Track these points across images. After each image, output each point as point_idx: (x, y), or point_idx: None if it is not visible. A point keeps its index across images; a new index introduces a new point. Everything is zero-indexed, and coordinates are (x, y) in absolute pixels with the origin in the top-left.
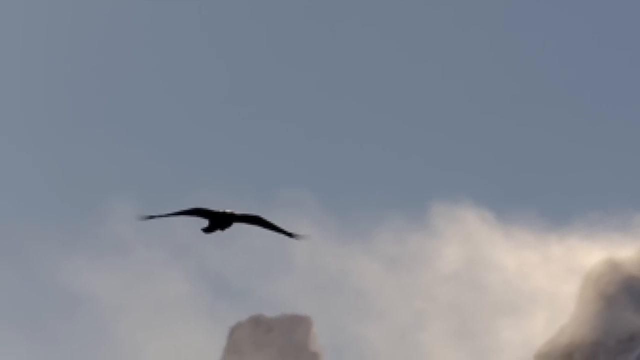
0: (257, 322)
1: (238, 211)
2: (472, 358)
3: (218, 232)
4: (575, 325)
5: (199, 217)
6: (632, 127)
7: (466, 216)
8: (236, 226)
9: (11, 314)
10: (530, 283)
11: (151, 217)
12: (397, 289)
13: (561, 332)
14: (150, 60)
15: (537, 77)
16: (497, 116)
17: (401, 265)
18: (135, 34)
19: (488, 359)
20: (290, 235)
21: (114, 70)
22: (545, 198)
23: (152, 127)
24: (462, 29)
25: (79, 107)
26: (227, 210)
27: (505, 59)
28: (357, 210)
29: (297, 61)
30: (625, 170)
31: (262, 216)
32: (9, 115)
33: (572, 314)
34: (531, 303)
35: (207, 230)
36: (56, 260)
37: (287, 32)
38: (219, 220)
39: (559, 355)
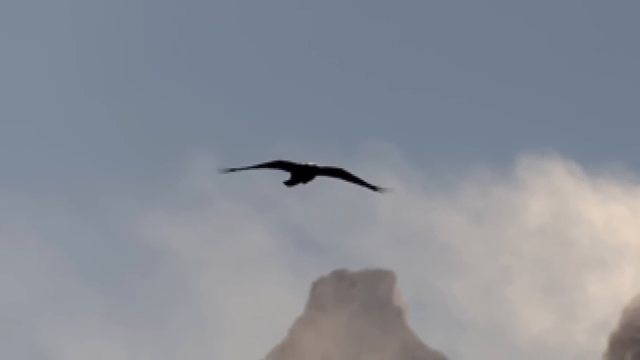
0: (340, 277)
1: (320, 164)
2: (558, 313)
3: (300, 185)
4: None
5: (281, 170)
6: None
7: (553, 169)
8: (319, 179)
9: (89, 269)
10: (618, 237)
11: (232, 169)
12: (482, 243)
13: None
14: (231, 10)
15: (625, 27)
16: (585, 68)
17: (486, 219)
18: None
19: (575, 315)
20: (373, 188)
21: (194, 21)
22: (634, 150)
23: (233, 78)
24: None
25: (159, 59)
26: (310, 163)
27: (591, 10)
28: (442, 163)
29: (381, 12)
30: None
31: (345, 169)
32: (87, 69)
33: None
34: (619, 257)
35: (289, 183)
36: (135, 215)
37: None
38: (301, 173)
39: None
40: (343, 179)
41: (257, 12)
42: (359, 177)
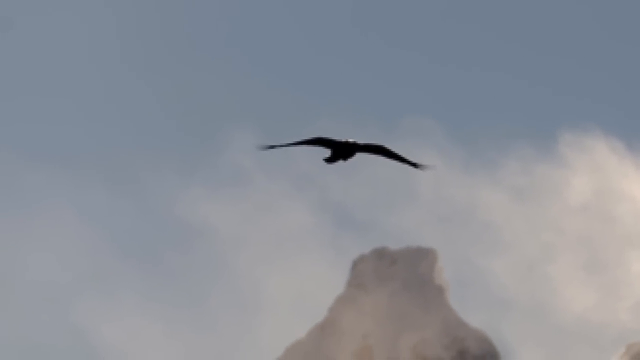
0: (381, 255)
1: (361, 141)
2: (601, 291)
3: (340, 162)
4: None
5: (321, 147)
6: None
7: (595, 146)
8: (359, 156)
9: (128, 247)
10: None
11: (271, 146)
12: (525, 221)
13: None
14: None
15: None
16: (628, 43)
17: (528, 197)
18: None
19: (618, 293)
20: (414, 165)
21: None
22: None
23: (274, 54)
24: None
25: (199, 34)
26: (350, 140)
27: None
28: (484, 140)
29: None
30: None
31: (385, 146)
32: (127, 44)
33: None
34: None
35: (329, 160)
36: (174, 192)
37: None
38: (341, 150)
39: None
40: (384, 156)
41: None
42: (399, 154)
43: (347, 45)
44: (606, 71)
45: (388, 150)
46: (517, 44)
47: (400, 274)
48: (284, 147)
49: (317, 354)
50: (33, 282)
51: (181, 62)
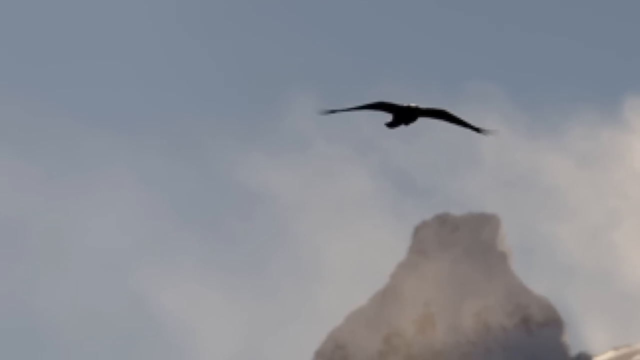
0: (443, 221)
1: (423, 105)
2: None
3: (402, 127)
4: None
5: (382, 112)
6: None
7: None
8: (421, 121)
9: (187, 213)
10: None
11: (332, 111)
12: (589, 187)
13: None
14: None
15: None
16: None
17: (593, 162)
18: None
19: None
20: (477, 130)
21: None
22: None
23: (335, 18)
24: None
25: None
26: (412, 104)
27: None
28: (548, 105)
29: None
30: None
31: (448, 110)
32: (187, 9)
33: None
34: None
35: (390, 124)
36: (234, 157)
37: None
38: (403, 115)
39: None
40: (446, 120)
41: None
42: (462, 118)
43: (410, 9)
44: None
45: (451, 114)
46: (582, 7)
47: (462, 240)
48: (345, 112)
49: (378, 321)
50: (92, 248)
51: (242, 26)
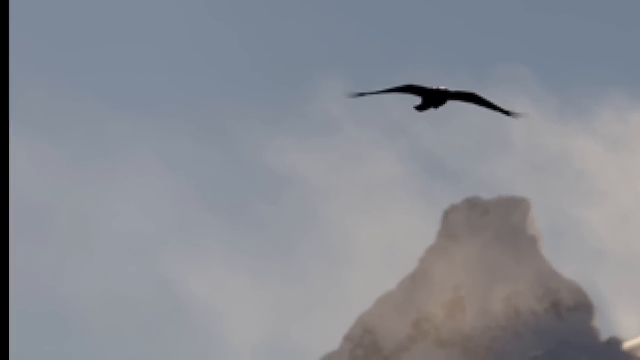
0: (473, 205)
1: (452, 88)
2: None
3: (432, 110)
4: None
5: (412, 95)
6: None
7: None
8: (450, 104)
9: (215, 197)
10: None
11: (361, 94)
12: (620, 171)
13: None
14: None
15: None
16: None
17: (624, 145)
18: None
19: None
20: (507, 113)
21: None
22: None
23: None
24: None
25: None
26: (441, 87)
27: None
28: (578, 88)
29: None
30: None
31: (478, 93)
32: None
33: None
34: None
35: (420, 108)
36: (261, 141)
37: None
38: (432, 98)
39: None
40: (476, 103)
41: None
42: (492, 101)
43: None
44: None
45: (480, 98)
46: None
47: (492, 224)
48: (374, 95)
49: (408, 305)
50: (118, 232)
51: (269, 10)
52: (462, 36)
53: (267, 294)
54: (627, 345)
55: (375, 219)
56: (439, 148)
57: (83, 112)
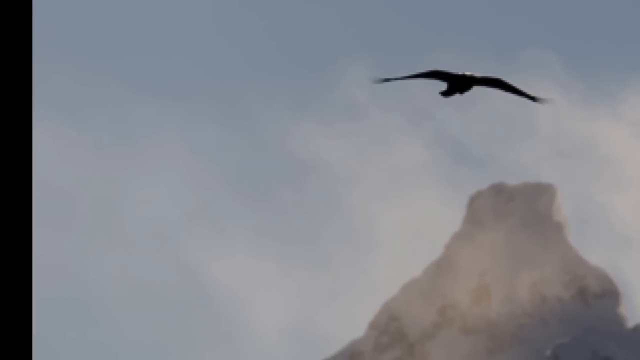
0: (499, 191)
1: (478, 73)
2: None
3: (457, 96)
4: None
5: (437, 80)
6: None
7: None
8: (476, 89)
9: (239, 182)
10: None
11: (386, 80)
12: None
13: None
14: None
15: None
16: None
17: None
18: None
19: None
20: (533, 99)
21: None
22: None
23: None
24: None
25: None
26: (467, 73)
27: None
28: (604, 73)
29: None
30: None
31: (503, 79)
32: None
33: None
34: None
35: (445, 93)
36: (286, 126)
37: None
38: (457, 83)
39: None
40: (501, 89)
41: None
42: (517, 87)
43: None
44: None
45: (506, 83)
46: None
47: (518, 210)
48: (399, 81)
49: (433, 292)
50: (142, 218)
51: None
52: (487, 21)
53: (291, 280)
54: None
55: (400, 205)
56: (464, 134)
57: (107, 97)
